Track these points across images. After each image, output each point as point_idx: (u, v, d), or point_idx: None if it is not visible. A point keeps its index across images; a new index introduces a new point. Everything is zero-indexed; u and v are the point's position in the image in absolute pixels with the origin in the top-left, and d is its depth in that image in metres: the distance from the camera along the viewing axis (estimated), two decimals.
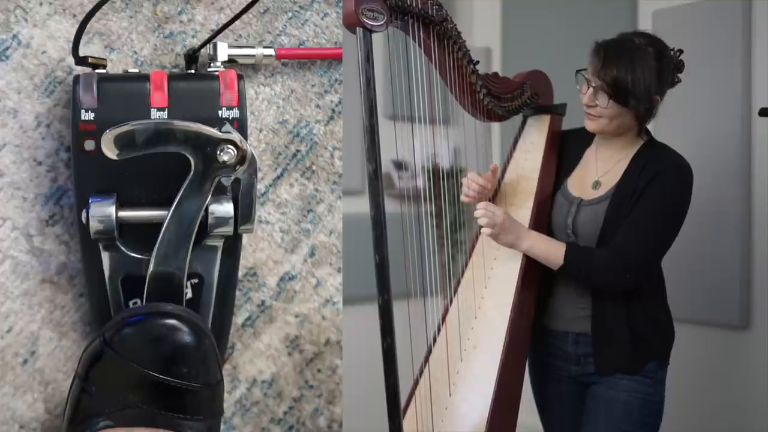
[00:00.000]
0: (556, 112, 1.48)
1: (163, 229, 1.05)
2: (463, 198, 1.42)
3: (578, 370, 1.34)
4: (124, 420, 0.99)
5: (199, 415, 1.01)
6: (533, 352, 1.42)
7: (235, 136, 1.05)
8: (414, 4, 1.14)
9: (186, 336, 0.99)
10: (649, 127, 1.77)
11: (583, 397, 1.35)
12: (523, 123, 1.51)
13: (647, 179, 1.27)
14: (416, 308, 1.23)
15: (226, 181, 1.07)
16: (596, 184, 1.34)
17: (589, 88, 1.29)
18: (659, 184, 1.26)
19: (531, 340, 1.41)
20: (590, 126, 1.33)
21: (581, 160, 1.39)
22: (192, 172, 1.04)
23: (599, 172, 1.35)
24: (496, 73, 1.39)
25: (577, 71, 1.33)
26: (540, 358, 1.41)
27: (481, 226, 1.29)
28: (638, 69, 1.26)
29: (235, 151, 1.04)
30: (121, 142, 1.02)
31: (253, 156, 1.06)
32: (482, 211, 1.27)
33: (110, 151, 1.02)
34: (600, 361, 1.31)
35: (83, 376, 1.01)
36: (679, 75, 1.35)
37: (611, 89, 1.26)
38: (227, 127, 1.07)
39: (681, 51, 1.34)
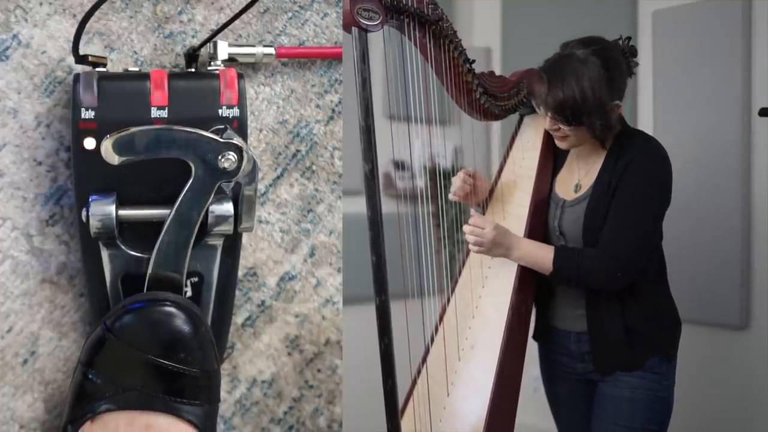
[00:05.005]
0: None
1: (162, 234, 1.05)
2: (450, 196, 1.42)
3: (583, 368, 1.35)
4: (124, 403, 1.01)
5: (196, 400, 1.03)
6: (543, 349, 1.43)
7: (237, 141, 1.04)
8: (409, 4, 1.14)
9: (184, 323, 1.02)
10: (650, 126, 1.77)
11: (592, 394, 1.35)
12: (520, 122, 1.51)
13: (620, 173, 1.26)
14: (414, 308, 1.23)
15: (227, 185, 1.07)
16: (577, 187, 1.34)
17: (546, 114, 1.29)
18: (631, 174, 1.25)
19: (540, 337, 1.41)
20: (561, 146, 1.33)
21: (566, 162, 1.40)
22: (192, 178, 1.04)
23: (580, 172, 1.35)
24: (492, 72, 1.39)
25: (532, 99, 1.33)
26: (549, 356, 1.42)
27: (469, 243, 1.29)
28: (585, 84, 1.22)
29: (236, 157, 1.04)
30: (121, 147, 1.02)
31: (254, 162, 1.06)
32: (470, 228, 1.28)
33: (110, 157, 1.02)
34: (598, 360, 1.31)
35: (85, 361, 1.04)
36: (636, 60, 1.33)
37: (561, 114, 1.25)
38: (229, 132, 1.07)
39: (629, 38, 1.32)
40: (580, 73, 1.23)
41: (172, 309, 1.02)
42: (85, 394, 1.03)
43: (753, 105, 1.71)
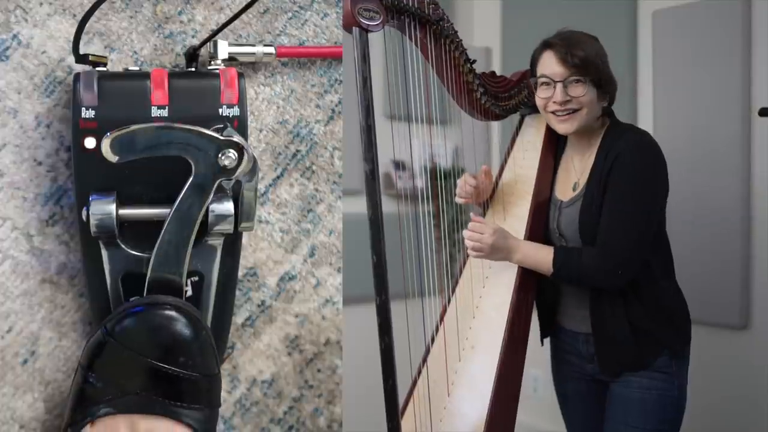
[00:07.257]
0: None
1: (162, 232, 1.05)
2: (456, 199, 1.42)
3: (593, 369, 1.34)
4: (124, 407, 1.01)
5: (196, 404, 1.03)
6: (553, 348, 1.43)
7: (237, 138, 1.04)
8: (410, 4, 1.14)
9: (184, 327, 1.02)
10: (650, 126, 1.77)
11: (602, 394, 1.34)
12: (521, 122, 1.51)
13: (608, 169, 1.25)
14: (414, 308, 1.23)
15: (227, 183, 1.07)
16: (575, 185, 1.34)
17: (555, 85, 1.28)
18: (620, 170, 1.24)
19: (549, 336, 1.41)
20: (565, 127, 1.30)
21: (561, 163, 1.39)
22: (192, 176, 1.04)
23: (577, 172, 1.34)
24: (493, 72, 1.39)
25: (532, 77, 1.32)
26: (559, 355, 1.42)
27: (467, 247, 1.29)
28: (596, 49, 1.29)
29: (236, 155, 1.04)
30: (121, 145, 1.02)
31: (254, 159, 1.06)
32: (470, 234, 1.27)
33: (110, 155, 1.02)
34: (603, 361, 1.30)
35: (85, 365, 1.03)
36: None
37: (583, 70, 1.26)
38: (229, 130, 1.07)
39: None
40: (589, 41, 1.30)
41: (172, 313, 1.02)
42: (85, 398, 1.03)
43: (753, 105, 1.71)
